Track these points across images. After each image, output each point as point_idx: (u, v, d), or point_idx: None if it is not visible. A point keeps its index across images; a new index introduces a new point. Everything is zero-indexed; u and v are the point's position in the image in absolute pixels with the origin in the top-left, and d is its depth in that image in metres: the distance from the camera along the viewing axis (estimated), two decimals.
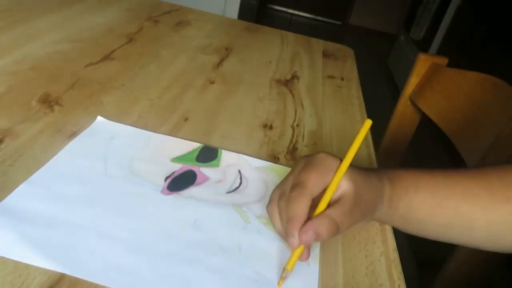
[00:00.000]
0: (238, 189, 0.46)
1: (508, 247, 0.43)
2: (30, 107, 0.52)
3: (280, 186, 0.41)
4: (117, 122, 0.53)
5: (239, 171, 0.49)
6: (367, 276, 0.39)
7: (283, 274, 0.36)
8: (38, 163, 0.43)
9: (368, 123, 0.42)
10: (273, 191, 0.41)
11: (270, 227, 0.42)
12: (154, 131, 0.53)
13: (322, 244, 0.42)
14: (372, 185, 0.41)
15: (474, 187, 0.42)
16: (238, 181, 0.48)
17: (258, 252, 0.39)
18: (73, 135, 0.49)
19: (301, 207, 0.36)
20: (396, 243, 0.44)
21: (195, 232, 0.40)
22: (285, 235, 0.38)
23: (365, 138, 0.63)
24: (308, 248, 0.38)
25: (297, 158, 0.54)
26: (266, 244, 0.40)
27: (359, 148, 0.41)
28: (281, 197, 0.39)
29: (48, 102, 0.54)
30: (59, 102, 0.55)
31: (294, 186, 0.38)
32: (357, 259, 0.41)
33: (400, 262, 0.42)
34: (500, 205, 0.41)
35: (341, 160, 0.40)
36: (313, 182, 0.38)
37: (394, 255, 0.42)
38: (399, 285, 0.39)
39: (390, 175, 0.43)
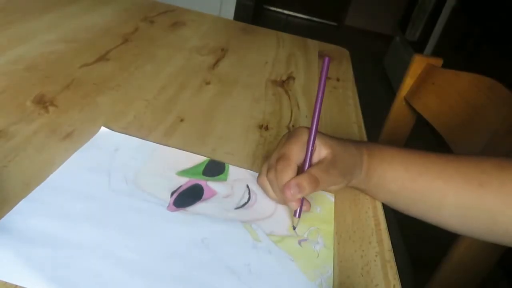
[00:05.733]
0: (247, 205, 0.45)
1: (476, 232, 0.45)
2: (25, 108, 0.52)
3: (267, 161, 0.45)
4: (115, 122, 0.53)
5: (247, 186, 0.48)
6: (363, 277, 0.39)
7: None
8: (32, 164, 0.43)
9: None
10: (262, 166, 0.46)
11: (281, 246, 0.41)
12: (150, 132, 0.53)
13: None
14: (350, 152, 0.46)
15: (449, 168, 0.45)
16: (247, 196, 0.46)
17: (269, 273, 0.37)
18: (68, 136, 0.49)
19: (289, 176, 0.42)
20: (392, 244, 0.44)
21: (203, 252, 0.38)
22: (283, 202, 0.44)
23: (361, 138, 0.64)
24: (306, 200, 0.43)
25: None
26: (278, 264, 0.39)
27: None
28: (269, 170, 0.44)
29: (43, 102, 0.54)
30: (54, 102, 0.54)
31: (279, 159, 0.43)
32: (352, 260, 0.41)
33: (395, 262, 0.42)
34: (472, 188, 0.43)
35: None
36: (295, 152, 0.43)
37: (389, 255, 0.42)
38: (394, 285, 0.39)
39: (370, 147, 0.48)
